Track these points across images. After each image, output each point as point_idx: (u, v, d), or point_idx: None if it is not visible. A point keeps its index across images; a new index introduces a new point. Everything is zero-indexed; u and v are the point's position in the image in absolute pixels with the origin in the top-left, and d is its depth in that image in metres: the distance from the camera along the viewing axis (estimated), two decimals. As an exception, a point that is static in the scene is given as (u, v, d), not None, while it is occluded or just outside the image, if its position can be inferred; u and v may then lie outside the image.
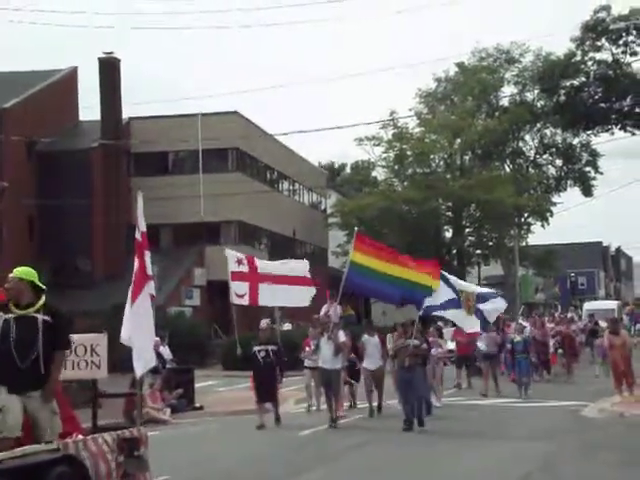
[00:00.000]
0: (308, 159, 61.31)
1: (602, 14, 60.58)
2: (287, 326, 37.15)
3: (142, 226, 10.63)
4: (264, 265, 19.64)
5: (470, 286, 21.19)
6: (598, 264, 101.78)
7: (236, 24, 74.76)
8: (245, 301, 18.96)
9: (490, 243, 61.43)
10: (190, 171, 47.14)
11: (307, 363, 20.87)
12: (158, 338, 23.47)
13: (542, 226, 64.95)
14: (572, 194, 67.15)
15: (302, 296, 19.56)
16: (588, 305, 57.14)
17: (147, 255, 10.55)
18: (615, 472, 12.76)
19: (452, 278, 19.89)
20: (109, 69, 46.03)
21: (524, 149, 66.51)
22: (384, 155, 59.23)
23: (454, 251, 61.90)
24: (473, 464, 13.58)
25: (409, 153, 57.80)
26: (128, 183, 46.61)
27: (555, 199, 65.95)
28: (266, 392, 18.08)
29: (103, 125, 45.36)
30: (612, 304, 58.37)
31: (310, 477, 12.70)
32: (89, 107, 49.94)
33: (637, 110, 63.61)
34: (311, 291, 19.74)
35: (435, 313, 19.54)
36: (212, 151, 46.77)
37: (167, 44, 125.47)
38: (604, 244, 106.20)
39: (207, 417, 21.01)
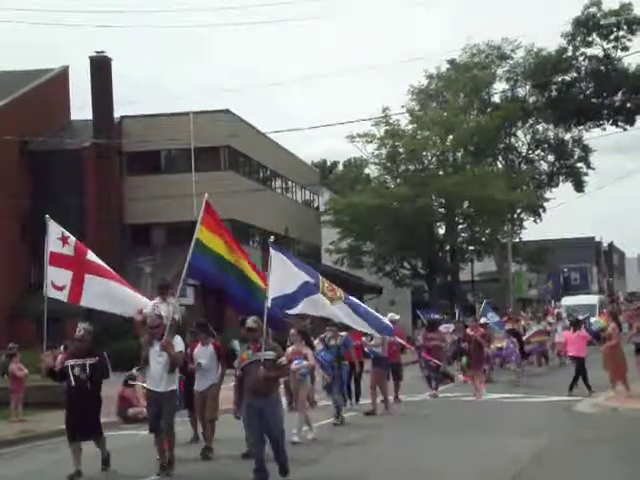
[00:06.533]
0: (300, 157, 61.26)
1: (593, 9, 60.77)
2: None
3: None
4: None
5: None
6: (591, 259, 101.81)
7: (224, 22, 74.72)
8: (63, 296, 14.17)
9: (483, 239, 61.53)
10: (182, 170, 46.98)
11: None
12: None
13: (535, 222, 65.34)
14: (564, 190, 67.39)
15: (134, 304, 14.67)
16: (566, 301, 52.06)
17: None
18: (608, 466, 12.79)
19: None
20: (100, 68, 45.92)
21: (516, 145, 66.66)
22: (376, 152, 59.24)
23: (447, 248, 62.03)
24: (466, 460, 13.54)
25: (401, 150, 57.79)
26: (120, 182, 46.59)
27: (547, 195, 66.24)
28: (81, 424, 12.70)
29: (95, 124, 45.28)
30: (593, 299, 53.15)
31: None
32: (85, 107, 49.68)
33: (628, 105, 63.80)
34: (143, 301, 14.90)
35: (291, 311, 13.33)
36: (204, 149, 46.65)
37: (154, 42, 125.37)
38: (597, 239, 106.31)
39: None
